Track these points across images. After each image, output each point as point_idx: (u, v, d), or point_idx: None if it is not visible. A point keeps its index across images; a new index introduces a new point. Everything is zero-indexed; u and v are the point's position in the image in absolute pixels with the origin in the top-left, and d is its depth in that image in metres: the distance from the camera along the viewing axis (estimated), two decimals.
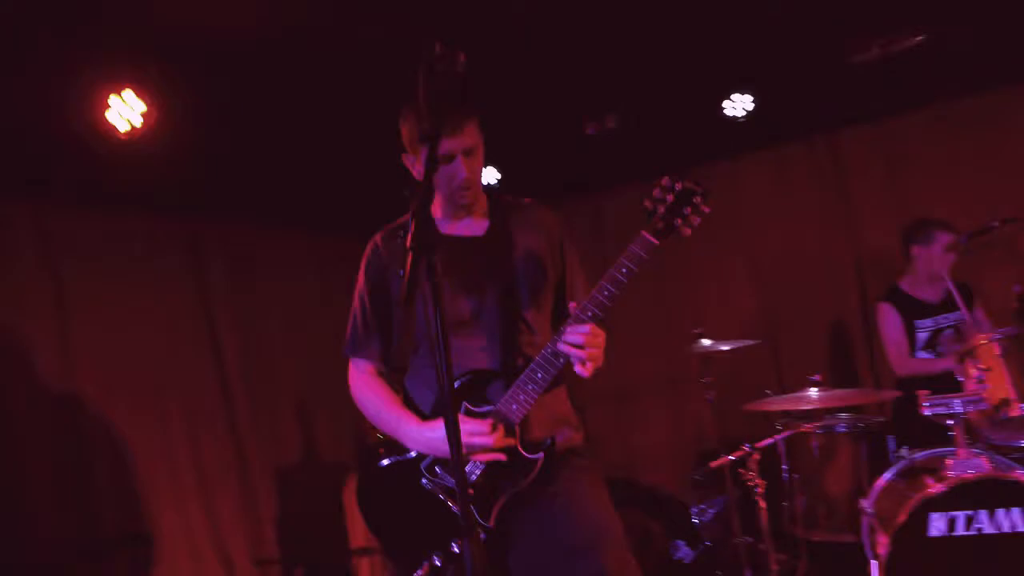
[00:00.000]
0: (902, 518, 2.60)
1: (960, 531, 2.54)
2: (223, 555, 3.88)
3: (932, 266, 3.65)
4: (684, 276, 4.55)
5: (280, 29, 2.72)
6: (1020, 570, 2.48)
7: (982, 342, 2.80)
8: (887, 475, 2.97)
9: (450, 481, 1.93)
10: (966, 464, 2.65)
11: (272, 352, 4.27)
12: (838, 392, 3.15)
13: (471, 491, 1.89)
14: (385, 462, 2.04)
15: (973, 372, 2.78)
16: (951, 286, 3.31)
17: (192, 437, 3.88)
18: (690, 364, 3.78)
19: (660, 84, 4.00)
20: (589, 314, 1.81)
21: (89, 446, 3.45)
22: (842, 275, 4.31)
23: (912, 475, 2.86)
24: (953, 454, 2.71)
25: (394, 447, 2.03)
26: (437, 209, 2.01)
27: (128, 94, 2.85)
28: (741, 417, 3.79)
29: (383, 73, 2.59)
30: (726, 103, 4.11)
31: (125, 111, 2.86)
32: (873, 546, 2.80)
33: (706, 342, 3.54)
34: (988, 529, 2.52)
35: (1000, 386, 2.71)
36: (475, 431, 1.87)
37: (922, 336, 3.69)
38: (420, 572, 1.93)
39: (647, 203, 1.83)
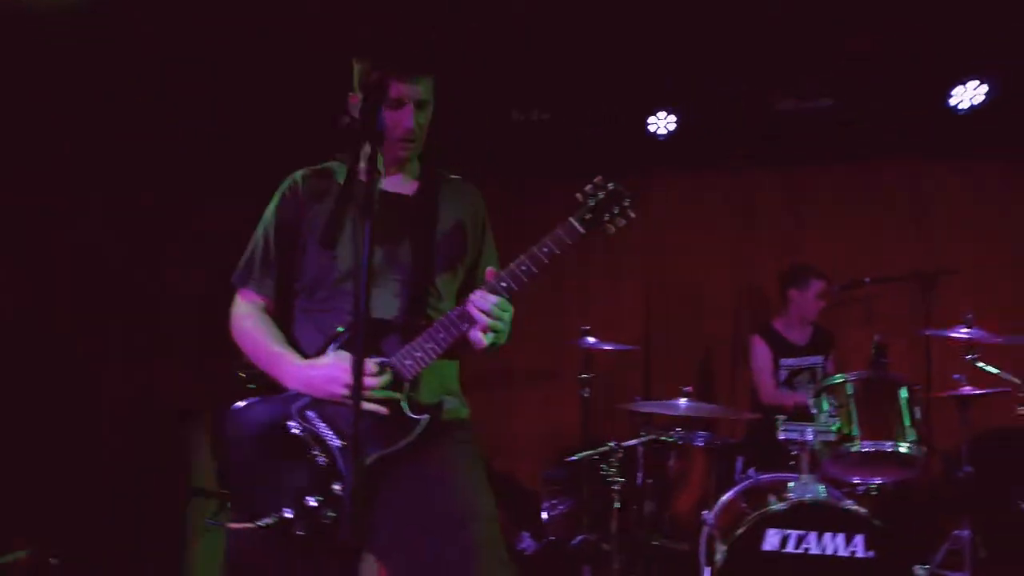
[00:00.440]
0: (741, 530, 2.79)
1: (790, 548, 2.76)
2: None
3: (804, 310, 3.97)
4: (582, 275, 4.68)
5: None
6: None
7: (838, 381, 3.07)
8: (732, 492, 3.16)
9: (323, 428, 1.84)
10: (806, 488, 2.87)
11: None
12: (704, 406, 3.34)
13: (343, 442, 1.81)
14: (249, 400, 1.92)
15: (826, 407, 3.05)
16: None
17: None
18: (571, 360, 3.88)
19: (592, 87, 4.17)
20: (504, 284, 1.82)
21: None
22: (724, 303, 4.58)
23: (755, 494, 3.06)
24: (796, 478, 2.92)
25: (263, 385, 1.93)
26: (366, 159, 1.92)
27: None
28: (608, 418, 4.03)
29: None
30: (651, 119, 4.30)
31: None
32: (709, 554, 3.00)
33: (590, 340, 3.66)
34: (814, 550, 2.75)
35: (847, 423, 2.99)
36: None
37: (782, 374, 4.00)
38: (266, 521, 1.81)
39: (579, 195, 1.87)
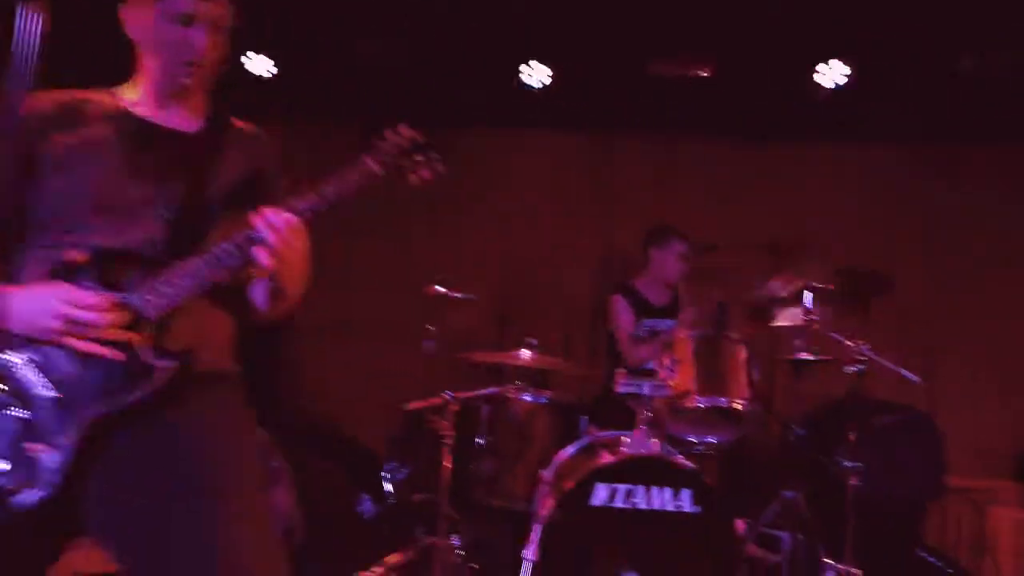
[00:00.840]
0: (570, 485, 2.78)
1: (619, 503, 2.76)
2: None
3: (664, 270, 4.00)
4: (439, 231, 4.57)
5: None
6: (657, 542, 2.74)
7: (680, 337, 3.09)
8: (570, 449, 3.13)
9: (25, 373, 1.49)
10: (640, 443, 2.89)
11: None
12: (548, 358, 3.28)
13: (57, 394, 1.48)
14: None
15: (666, 362, 3.07)
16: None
17: None
18: (421, 311, 3.74)
19: (458, 32, 4.02)
20: (304, 206, 1.60)
21: None
22: (587, 264, 4.55)
23: (594, 451, 3.05)
24: (631, 433, 2.95)
25: None
26: (136, 88, 1.70)
27: None
28: (456, 374, 3.82)
29: None
30: (524, 68, 4.18)
31: None
32: (539, 509, 2.96)
33: (439, 288, 3.52)
34: (642, 504, 2.77)
35: (685, 379, 3.02)
36: (83, 302, 1.50)
37: (642, 332, 3.99)
38: None
39: (375, 137, 1.70)
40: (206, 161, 1.70)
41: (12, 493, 1.47)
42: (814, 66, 4.09)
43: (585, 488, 2.77)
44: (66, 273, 1.54)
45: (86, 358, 1.51)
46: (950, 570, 3.85)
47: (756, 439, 3.40)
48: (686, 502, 2.76)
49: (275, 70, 4.25)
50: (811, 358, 3.29)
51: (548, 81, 4.20)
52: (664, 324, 4.00)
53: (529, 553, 2.85)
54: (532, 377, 3.46)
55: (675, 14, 3.86)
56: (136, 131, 1.66)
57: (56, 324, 1.50)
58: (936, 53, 3.94)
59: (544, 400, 3.45)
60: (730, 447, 3.28)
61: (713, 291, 4.00)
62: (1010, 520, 3.73)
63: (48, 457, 1.47)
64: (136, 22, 1.68)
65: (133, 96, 1.71)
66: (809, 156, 4.61)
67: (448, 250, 4.56)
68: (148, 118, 1.70)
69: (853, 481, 2.87)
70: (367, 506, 4.06)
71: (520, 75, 4.22)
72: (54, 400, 1.50)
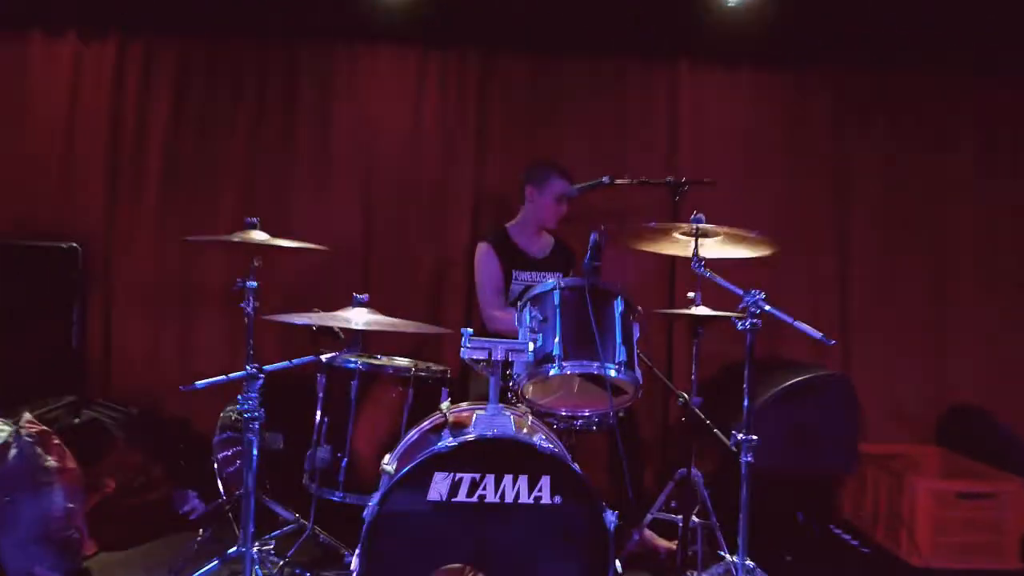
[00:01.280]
0: (400, 475, 2.31)
1: (462, 496, 2.31)
2: None
3: (541, 213, 3.57)
4: (273, 167, 4.02)
5: None
6: (510, 542, 2.30)
7: (542, 290, 2.63)
8: (415, 432, 2.68)
9: None
10: (492, 421, 2.42)
11: None
12: (386, 319, 2.78)
13: None
14: None
15: (528, 321, 2.59)
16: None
17: None
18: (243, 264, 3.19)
19: None
20: None
21: None
22: (458, 208, 4.09)
23: (437, 432, 2.61)
24: (483, 408, 2.48)
25: None
26: None
27: None
28: (290, 340, 3.55)
29: None
30: None
31: None
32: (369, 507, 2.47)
33: (258, 235, 2.97)
34: (491, 497, 2.31)
35: (550, 340, 2.54)
36: None
37: (516, 288, 3.55)
38: None
39: None
40: None
41: None
42: None
43: (419, 479, 2.30)
44: None
45: None
46: (865, 549, 3.60)
47: (637, 407, 2.99)
48: (545, 492, 2.32)
49: None
50: (710, 313, 2.97)
51: None
52: (542, 278, 3.55)
53: (353, 562, 2.38)
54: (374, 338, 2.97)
55: None
56: None
57: None
58: None
59: (391, 370, 3.00)
60: (616, 421, 2.81)
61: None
62: (928, 490, 3.43)
63: None
64: None
65: None
66: (717, 80, 4.20)
67: (283, 190, 4.03)
68: None
69: (746, 457, 2.46)
70: (194, 504, 3.55)
71: None
72: None
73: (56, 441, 2.92)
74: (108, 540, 3.17)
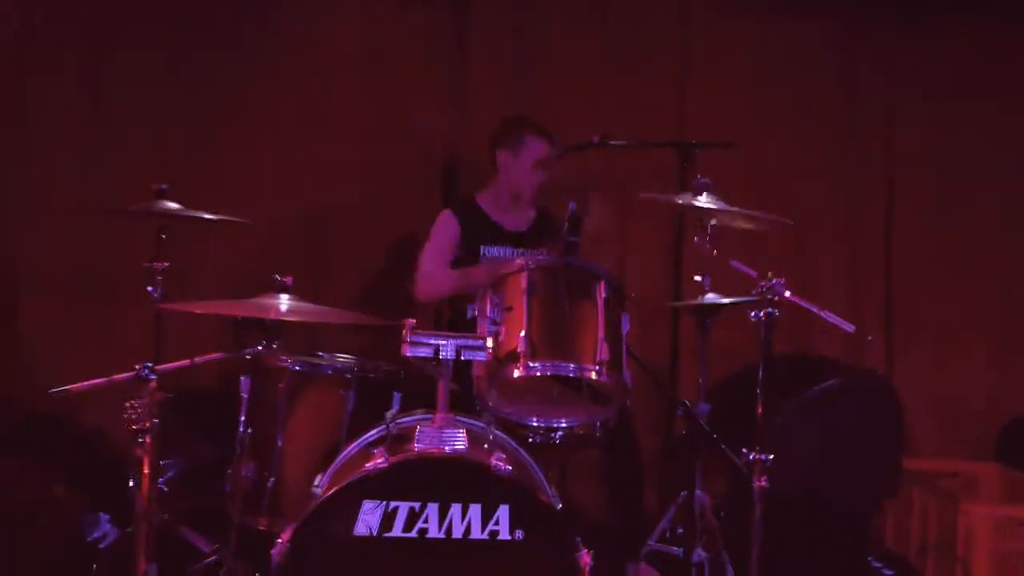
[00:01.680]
0: (317, 504, 2.10)
1: (397, 531, 2.06)
2: None
3: (516, 180, 3.34)
4: (193, 128, 3.78)
5: None
6: None
7: (513, 270, 2.41)
8: (354, 445, 2.44)
9: None
10: (440, 436, 2.20)
11: None
12: (316, 308, 2.56)
13: None
14: None
15: (489, 310, 2.37)
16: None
17: None
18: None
19: None
20: None
21: None
22: (419, 178, 3.91)
23: (399, 446, 2.30)
24: (431, 420, 2.27)
25: None
26: None
27: None
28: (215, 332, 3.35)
29: None
30: None
31: None
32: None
33: (171, 204, 2.76)
34: (435, 532, 2.07)
35: (514, 334, 2.31)
36: None
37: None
38: None
39: None
40: None
41: None
42: None
43: (343, 509, 2.06)
44: None
45: None
46: None
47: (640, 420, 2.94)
48: (504, 525, 2.08)
49: None
50: (722, 301, 2.73)
51: None
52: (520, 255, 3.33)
53: None
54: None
55: None
56: None
57: None
58: None
59: (329, 370, 2.78)
60: (601, 432, 2.62)
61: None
62: (987, 517, 3.24)
63: None
64: None
65: None
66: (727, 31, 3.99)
67: (205, 149, 3.79)
68: None
69: (759, 481, 2.21)
70: (105, 529, 3.32)
71: None
72: None
73: None
74: None
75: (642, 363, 2.61)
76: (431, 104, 3.90)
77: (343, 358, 2.86)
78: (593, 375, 2.29)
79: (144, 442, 2.23)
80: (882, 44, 4.03)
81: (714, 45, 3.98)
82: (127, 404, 2.28)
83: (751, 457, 2.25)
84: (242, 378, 2.71)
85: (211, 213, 2.86)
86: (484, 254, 3.32)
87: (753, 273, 2.29)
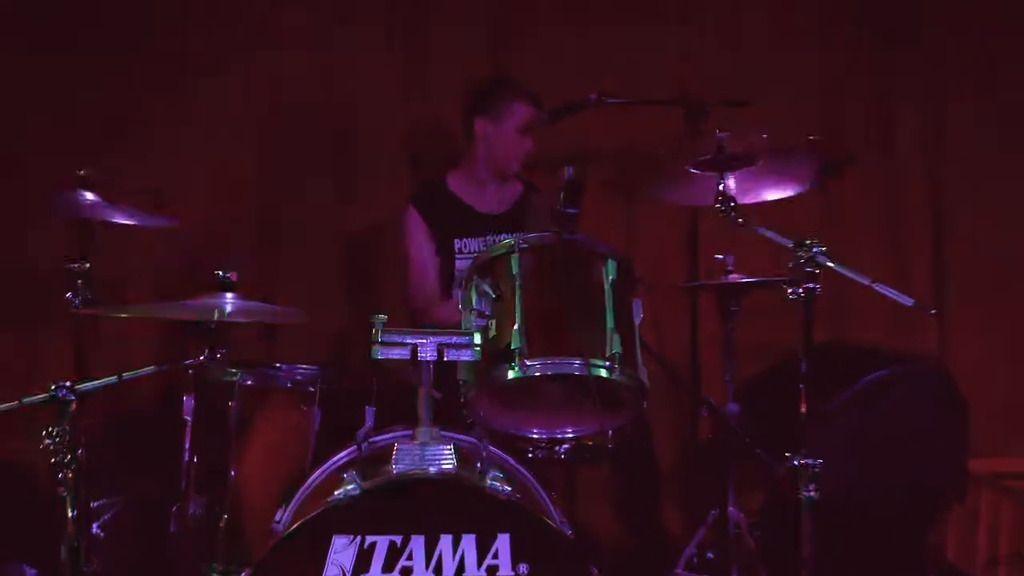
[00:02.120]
0: (278, 541, 2.01)
1: (376, 571, 1.97)
2: None
3: (499, 154, 3.36)
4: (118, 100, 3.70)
5: None
6: None
7: (498, 253, 2.31)
8: (322, 470, 2.37)
9: None
10: (422, 454, 2.11)
11: None
12: (269, 308, 2.56)
13: None
14: None
15: (475, 301, 2.29)
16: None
17: None
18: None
19: None
20: None
21: None
22: (388, 147, 3.87)
23: (372, 468, 2.23)
24: (410, 436, 2.18)
25: None
26: None
27: None
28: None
29: None
30: None
31: None
32: None
33: (87, 196, 2.71)
34: (421, 571, 1.97)
35: (506, 327, 2.22)
36: None
37: (463, 264, 3.27)
38: None
39: None
40: None
41: None
42: None
43: (309, 546, 1.96)
44: None
45: None
46: None
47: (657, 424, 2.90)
48: (504, 558, 1.99)
49: None
50: (746, 280, 2.79)
51: None
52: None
53: None
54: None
55: None
56: None
57: None
58: None
59: (288, 383, 2.73)
60: (614, 443, 2.58)
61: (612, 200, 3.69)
62: None
63: None
64: None
65: None
66: None
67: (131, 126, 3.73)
68: None
69: (807, 491, 2.10)
70: None
71: None
72: None
73: None
74: None
75: (658, 356, 2.53)
76: (384, 69, 3.85)
77: (304, 368, 2.80)
78: (604, 373, 2.18)
79: (67, 479, 2.13)
80: None
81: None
82: (44, 433, 2.19)
83: (796, 463, 2.13)
84: (184, 397, 2.69)
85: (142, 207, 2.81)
86: (460, 250, 3.32)
87: (788, 242, 2.17)
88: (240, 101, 3.80)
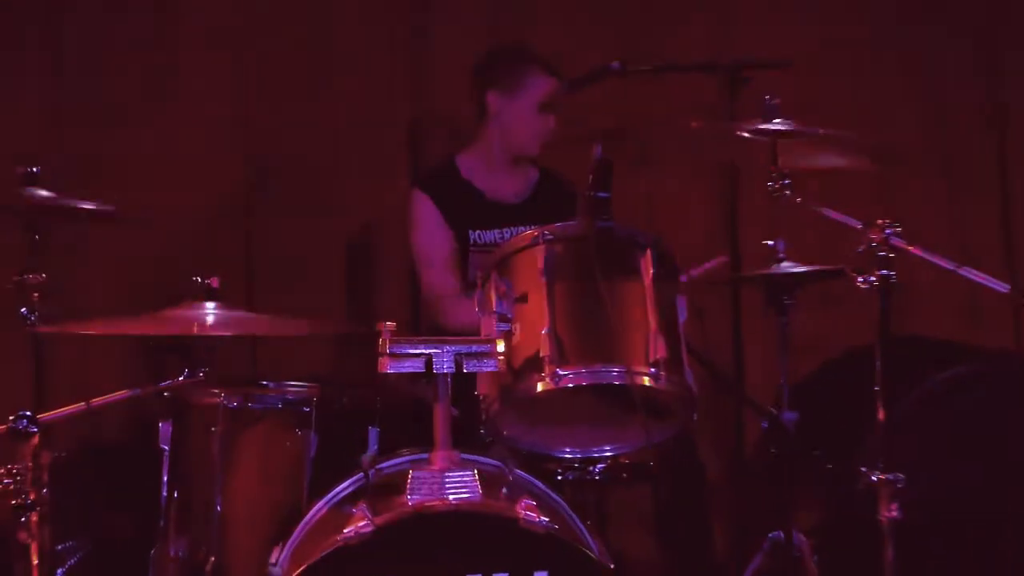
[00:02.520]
0: None
1: None
2: None
3: (516, 132, 3.39)
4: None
5: None
6: None
7: (521, 247, 2.29)
8: (324, 502, 2.35)
9: None
10: (439, 482, 2.08)
11: None
12: (255, 318, 2.57)
13: None
14: None
15: (496, 300, 2.25)
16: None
17: None
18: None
19: None
20: None
21: None
22: (389, 138, 3.99)
23: (381, 498, 2.23)
24: (426, 460, 2.16)
25: None
26: None
27: None
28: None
29: None
30: None
31: None
32: None
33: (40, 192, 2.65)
34: None
35: (534, 332, 2.19)
36: None
37: (476, 259, 3.33)
38: None
39: None
40: None
41: None
42: None
43: None
44: None
45: None
46: None
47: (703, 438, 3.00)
48: None
49: None
50: (803, 269, 2.73)
51: None
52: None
53: None
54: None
55: None
56: None
57: None
58: None
59: (279, 404, 2.68)
60: (656, 461, 2.74)
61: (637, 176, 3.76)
62: None
63: None
64: None
65: None
66: None
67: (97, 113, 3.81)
68: None
69: (888, 511, 2.05)
70: None
71: None
72: None
73: None
74: None
75: (705, 360, 2.50)
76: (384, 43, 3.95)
77: (296, 386, 2.77)
78: (648, 380, 2.14)
79: (28, 521, 2.12)
80: None
81: None
82: (2, 471, 2.22)
83: (875, 478, 2.08)
84: (161, 424, 2.68)
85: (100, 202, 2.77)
86: (475, 241, 3.38)
87: (857, 224, 2.14)
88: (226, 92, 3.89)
